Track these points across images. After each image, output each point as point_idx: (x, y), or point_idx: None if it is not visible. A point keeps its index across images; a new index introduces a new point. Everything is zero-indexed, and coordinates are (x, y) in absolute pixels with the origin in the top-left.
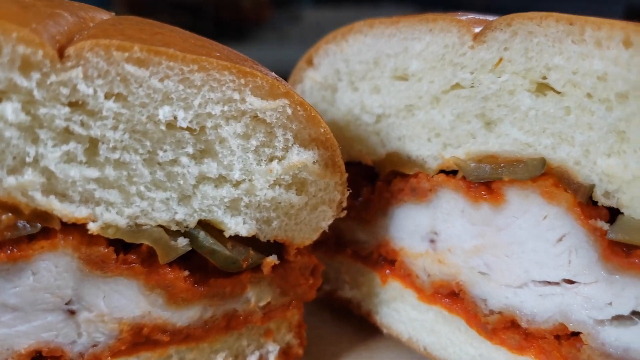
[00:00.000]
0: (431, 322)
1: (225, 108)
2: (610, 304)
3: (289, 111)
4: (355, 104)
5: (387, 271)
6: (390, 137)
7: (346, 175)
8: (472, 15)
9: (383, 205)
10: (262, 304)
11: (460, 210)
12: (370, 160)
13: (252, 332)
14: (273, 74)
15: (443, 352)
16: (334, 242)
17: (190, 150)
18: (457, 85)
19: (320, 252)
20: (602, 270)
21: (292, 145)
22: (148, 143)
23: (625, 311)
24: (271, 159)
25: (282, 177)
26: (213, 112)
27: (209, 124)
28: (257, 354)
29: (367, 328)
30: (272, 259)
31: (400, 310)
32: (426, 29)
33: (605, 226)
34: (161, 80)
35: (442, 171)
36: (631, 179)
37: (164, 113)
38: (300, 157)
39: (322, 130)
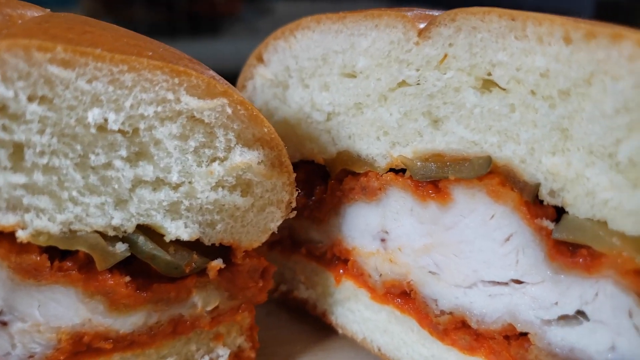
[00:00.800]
0: (384, 322)
1: (159, 109)
2: (556, 303)
3: (229, 110)
4: (305, 101)
5: (341, 271)
6: (341, 135)
7: (294, 175)
8: (418, 10)
9: (335, 205)
10: (209, 308)
11: (409, 209)
12: (321, 159)
13: (201, 336)
14: (211, 72)
15: (396, 352)
16: (289, 242)
17: (124, 153)
18: (403, 83)
19: (275, 252)
20: (548, 270)
21: (235, 145)
22: (78, 147)
23: (570, 311)
24: (212, 160)
25: (224, 178)
26: (146, 114)
27: (142, 125)
28: (206, 358)
29: (323, 328)
30: (217, 263)
31: (355, 310)
32: (372, 24)
33: (551, 225)
34: (89, 81)
35: (392, 170)
36: (575, 178)
37: (94, 116)
38: (244, 157)
39: (265, 129)
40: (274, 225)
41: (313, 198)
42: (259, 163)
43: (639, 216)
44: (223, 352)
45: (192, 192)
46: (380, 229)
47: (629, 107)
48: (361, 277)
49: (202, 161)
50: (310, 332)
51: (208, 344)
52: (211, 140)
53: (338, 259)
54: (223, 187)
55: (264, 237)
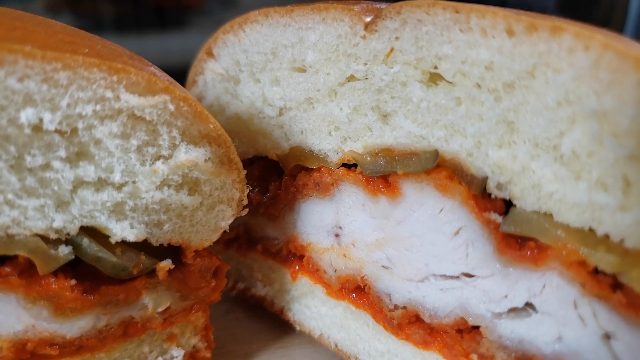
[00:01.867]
0: (340, 318)
1: (98, 107)
2: (506, 296)
3: (171, 107)
4: (257, 96)
5: (297, 267)
6: (293, 130)
7: (244, 172)
8: (366, 3)
9: (290, 201)
10: (160, 309)
11: (361, 203)
12: (275, 155)
13: (154, 338)
14: (152, 68)
15: (353, 348)
16: (245, 239)
17: (62, 153)
18: (352, 77)
19: (232, 250)
20: (497, 263)
21: (180, 143)
22: (12, 148)
23: (519, 303)
24: (156, 159)
25: (170, 177)
26: (84, 113)
27: (80, 125)
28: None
29: (282, 325)
30: (166, 264)
31: (311, 307)
32: (319, 18)
33: (499, 219)
34: (20, 80)
35: (345, 165)
36: (521, 171)
37: (27, 116)
38: (189, 155)
39: (211, 126)
40: (224, 224)
41: (268, 194)
42: (206, 160)
43: (582, 208)
44: (177, 353)
45: (136, 192)
46: (334, 224)
47: (570, 99)
48: (317, 273)
49: (146, 160)
50: (269, 330)
51: (161, 345)
52: (154, 138)
53: (294, 255)
54: (169, 186)
55: (215, 236)
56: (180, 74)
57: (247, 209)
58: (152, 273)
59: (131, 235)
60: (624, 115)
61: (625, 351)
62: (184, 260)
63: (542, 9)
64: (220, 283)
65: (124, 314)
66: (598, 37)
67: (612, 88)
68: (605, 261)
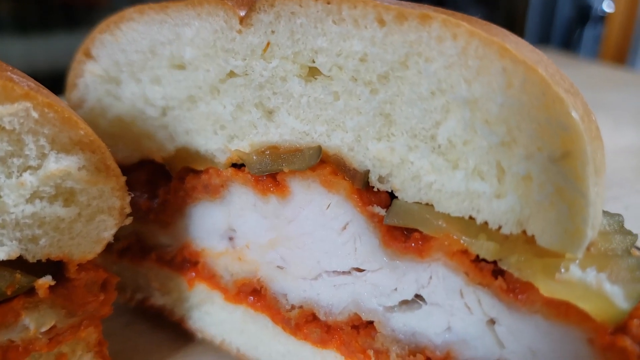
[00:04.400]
0: (240, 322)
1: None
2: (395, 289)
3: (35, 115)
4: (138, 96)
5: (193, 274)
6: (178, 131)
7: (124, 178)
8: None
9: (180, 205)
10: (44, 329)
11: (252, 204)
12: (160, 157)
13: None
14: (9, 73)
15: (255, 351)
16: (138, 248)
17: None
18: (232, 74)
19: (126, 261)
20: (384, 256)
21: (49, 152)
22: None
23: (409, 295)
24: (24, 170)
25: (41, 188)
26: None
27: None
28: None
29: (184, 335)
30: (45, 280)
31: (211, 313)
32: (194, 13)
33: (382, 212)
34: None
35: (234, 165)
36: (400, 162)
37: None
38: (60, 164)
39: (82, 132)
40: (107, 234)
41: (157, 200)
42: (79, 169)
43: (461, 197)
44: None
45: (3, 207)
46: (227, 227)
47: (442, 88)
48: (213, 278)
49: (12, 172)
50: (171, 340)
51: None
52: (20, 148)
53: (189, 262)
54: (41, 198)
55: (99, 248)
56: None
57: (131, 218)
58: (31, 291)
59: (2, 254)
60: (493, 102)
61: (507, 334)
62: (67, 275)
63: None
64: (109, 296)
65: (2, 337)
66: (465, 25)
67: (481, 75)
68: (485, 249)
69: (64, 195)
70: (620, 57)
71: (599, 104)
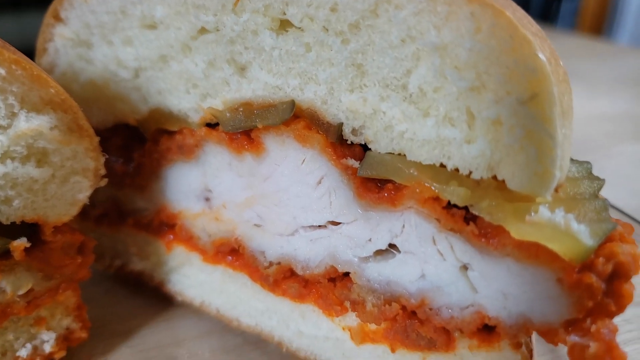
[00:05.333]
0: (219, 283)
1: None
2: (370, 240)
3: (2, 72)
4: (110, 59)
5: (170, 237)
6: (151, 92)
7: (97, 139)
8: None
9: (155, 168)
10: (21, 292)
11: (227, 163)
12: (134, 120)
13: (19, 323)
14: None
15: (234, 311)
16: (115, 213)
17: None
18: (203, 30)
19: (104, 227)
20: (358, 208)
21: (19, 111)
22: None
23: (383, 245)
24: None
25: (12, 148)
26: None
27: None
28: (29, 346)
29: (165, 299)
30: (20, 242)
31: (190, 275)
32: None
33: (356, 164)
34: None
35: (209, 125)
36: (372, 113)
37: None
38: (31, 123)
39: (52, 90)
40: (82, 196)
41: (133, 164)
42: (51, 128)
43: (432, 145)
44: (48, 337)
45: None
46: (203, 187)
47: (412, 35)
48: (191, 240)
49: None
50: (151, 305)
51: (28, 330)
52: None
53: (166, 225)
54: (12, 158)
55: (74, 210)
56: None
57: (106, 180)
58: (7, 254)
59: None
60: (462, 47)
61: (480, 279)
62: (43, 238)
63: None
64: (87, 259)
65: None
66: None
67: (450, 21)
68: (456, 195)
69: (37, 155)
70: (597, 29)
71: (575, 73)
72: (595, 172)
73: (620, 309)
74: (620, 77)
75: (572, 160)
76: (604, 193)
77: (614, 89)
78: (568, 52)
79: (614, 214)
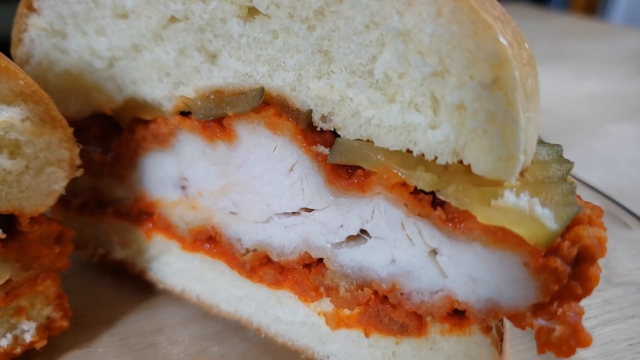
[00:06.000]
0: (198, 270)
1: None
2: (342, 226)
3: None
4: (84, 48)
5: (150, 225)
6: (125, 81)
7: (71, 129)
8: None
9: (132, 157)
10: None
11: (201, 151)
12: (110, 110)
13: None
14: None
15: (214, 298)
16: (95, 203)
17: None
18: (173, 19)
19: (85, 216)
20: (330, 194)
21: None
22: None
23: (354, 231)
24: None
25: None
26: None
27: None
28: (9, 336)
29: (148, 287)
30: None
31: (170, 263)
32: None
33: (326, 151)
34: None
35: (183, 113)
36: (340, 100)
37: None
38: (2, 115)
39: (22, 82)
40: (58, 187)
41: (111, 154)
42: (23, 120)
43: (398, 131)
44: (28, 327)
45: None
46: (179, 176)
47: (376, 21)
48: (169, 228)
49: None
50: (133, 293)
51: (8, 320)
52: None
53: (145, 213)
54: None
55: (50, 201)
56: None
57: (82, 170)
58: None
59: None
60: (424, 32)
61: (449, 264)
62: (19, 229)
63: None
64: (65, 249)
65: None
66: None
67: (412, 6)
68: (423, 180)
69: (9, 147)
70: (591, 8)
71: (566, 53)
72: (583, 152)
73: (587, 292)
74: (612, 57)
75: (542, 143)
76: (590, 173)
77: (605, 68)
78: (560, 32)
79: (590, 196)
